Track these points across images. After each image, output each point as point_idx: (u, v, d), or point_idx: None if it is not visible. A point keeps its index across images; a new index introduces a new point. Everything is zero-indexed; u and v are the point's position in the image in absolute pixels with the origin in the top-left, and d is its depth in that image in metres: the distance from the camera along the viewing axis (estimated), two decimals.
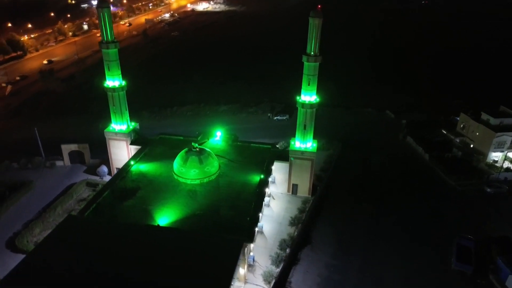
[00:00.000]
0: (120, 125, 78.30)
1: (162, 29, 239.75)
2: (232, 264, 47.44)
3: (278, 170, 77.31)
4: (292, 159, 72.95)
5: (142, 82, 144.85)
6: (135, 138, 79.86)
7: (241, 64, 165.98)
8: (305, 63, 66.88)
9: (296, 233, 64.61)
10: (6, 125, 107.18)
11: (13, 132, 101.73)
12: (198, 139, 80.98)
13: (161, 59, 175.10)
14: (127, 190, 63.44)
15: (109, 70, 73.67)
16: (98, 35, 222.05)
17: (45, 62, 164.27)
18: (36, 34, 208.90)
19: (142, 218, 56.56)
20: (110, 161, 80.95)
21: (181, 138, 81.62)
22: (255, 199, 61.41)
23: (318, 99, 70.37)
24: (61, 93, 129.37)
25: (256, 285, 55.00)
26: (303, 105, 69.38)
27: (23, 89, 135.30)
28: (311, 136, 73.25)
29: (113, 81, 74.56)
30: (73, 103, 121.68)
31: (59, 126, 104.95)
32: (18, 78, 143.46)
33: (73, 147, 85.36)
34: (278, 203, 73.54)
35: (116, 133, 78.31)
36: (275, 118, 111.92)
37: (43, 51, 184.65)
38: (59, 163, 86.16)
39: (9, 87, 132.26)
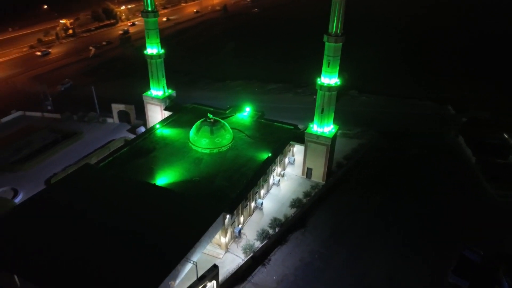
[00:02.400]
0: (157, 90, 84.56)
1: (244, 5, 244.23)
2: (203, 228, 49.83)
3: (299, 152, 76.87)
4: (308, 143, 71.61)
5: (207, 55, 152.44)
6: (169, 104, 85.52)
7: (308, 44, 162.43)
8: (326, 43, 64.14)
9: (292, 215, 64.32)
10: (81, 82, 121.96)
11: (84, 89, 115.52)
12: (227, 112, 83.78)
13: (232, 35, 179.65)
14: (143, 150, 69.30)
15: (148, 38, 79.45)
16: (187, 7, 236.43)
17: (126, 28, 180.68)
18: (133, 5, 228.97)
19: (146, 176, 61.64)
20: (146, 122, 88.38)
21: (211, 109, 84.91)
22: (252, 175, 62.27)
23: (339, 83, 67.36)
24: (132, 58, 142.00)
25: (236, 255, 56.91)
26: (321, 87, 67.07)
27: (105, 52, 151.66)
28: (331, 121, 70.73)
29: (152, 48, 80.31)
30: (140, 68, 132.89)
31: (122, 87, 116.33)
32: (104, 43, 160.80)
33: (121, 107, 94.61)
34: (288, 184, 73.34)
35: (152, 98, 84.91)
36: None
37: (133, 21, 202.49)
38: (109, 120, 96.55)
39: (93, 50, 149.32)
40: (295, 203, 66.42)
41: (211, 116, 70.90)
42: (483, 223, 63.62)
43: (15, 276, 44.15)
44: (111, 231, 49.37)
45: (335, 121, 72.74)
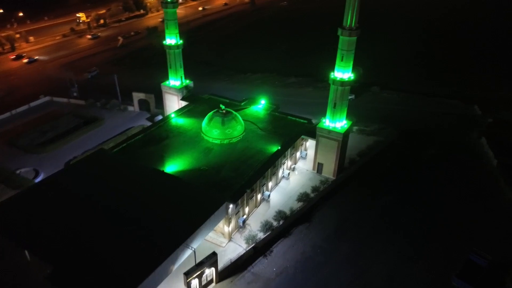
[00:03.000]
0: (174, 80, 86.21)
1: None
2: (205, 216, 50.88)
3: (312, 147, 76.47)
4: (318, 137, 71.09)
5: (231, 46, 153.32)
6: (186, 94, 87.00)
7: (333, 38, 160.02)
8: (340, 37, 63.14)
9: (298, 209, 64.29)
10: (107, 70, 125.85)
11: (109, 77, 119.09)
12: (241, 104, 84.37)
13: (257, 27, 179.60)
14: (157, 138, 71.15)
15: (167, 28, 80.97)
16: None
17: (160, 20, 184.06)
18: None
19: (156, 163, 63.34)
20: (164, 111, 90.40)
21: (227, 100, 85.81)
22: (259, 167, 62.60)
23: (352, 77, 66.21)
24: (158, 49, 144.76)
25: (239, 245, 57.70)
26: (334, 81, 66.18)
27: (132, 43, 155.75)
28: (343, 116, 69.77)
29: (171, 39, 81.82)
30: (164, 58, 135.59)
31: (145, 77, 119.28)
32: (132, 33, 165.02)
33: (142, 95, 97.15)
34: (298, 178, 73.20)
35: (170, 88, 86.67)
36: None
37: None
38: (130, 108, 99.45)
39: (121, 39, 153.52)
40: (302, 197, 66.27)
41: (223, 107, 71.70)
42: (498, 228, 61.13)
43: (26, 251, 46.86)
44: (116, 214, 51.31)
45: (352, 117, 71.69)
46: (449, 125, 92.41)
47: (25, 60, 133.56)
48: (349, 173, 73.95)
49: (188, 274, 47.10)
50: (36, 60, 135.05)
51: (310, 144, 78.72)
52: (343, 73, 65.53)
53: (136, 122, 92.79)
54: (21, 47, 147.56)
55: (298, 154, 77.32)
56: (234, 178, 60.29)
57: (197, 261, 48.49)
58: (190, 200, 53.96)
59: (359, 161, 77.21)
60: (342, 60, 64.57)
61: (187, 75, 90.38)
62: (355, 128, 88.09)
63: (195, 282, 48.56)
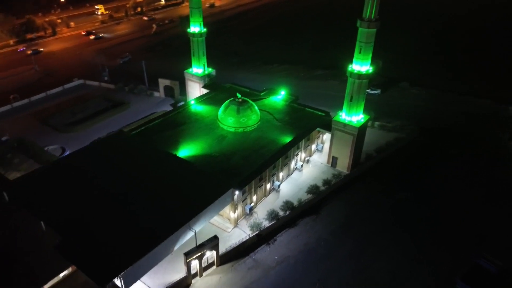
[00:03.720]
0: (197, 68, 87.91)
1: None
2: (209, 200, 52.20)
3: (329, 140, 75.75)
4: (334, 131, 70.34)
5: (261, 37, 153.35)
6: (208, 82, 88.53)
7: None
8: (359, 29, 61.81)
9: (306, 200, 64.29)
10: (139, 57, 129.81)
11: (140, 63, 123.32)
12: (261, 94, 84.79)
13: (290, 18, 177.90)
14: (174, 123, 73.24)
15: (192, 16, 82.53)
16: None
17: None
18: None
19: (170, 147, 65.35)
20: (186, 98, 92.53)
21: (247, 90, 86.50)
22: (270, 157, 63.03)
23: (371, 71, 64.76)
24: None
25: (244, 231, 58.76)
26: (351, 74, 65.05)
27: (165, 30, 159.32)
28: (360, 110, 68.52)
29: (195, 27, 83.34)
30: None
31: (174, 64, 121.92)
32: (167, 21, 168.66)
33: (167, 82, 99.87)
34: (311, 170, 72.99)
35: (192, 75, 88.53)
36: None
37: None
38: (156, 94, 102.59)
39: (155, 27, 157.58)
40: (312, 190, 66.10)
41: (239, 96, 72.44)
42: None
43: (42, 222, 50.35)
44: (126, 192, 53.77)
45: (370, 111, 70.22)
46: (479, 126, 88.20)
47: (92, 37, 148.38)
48: (364, 169, 72.79)
49: (188, 254, 48.79)
50: (101, 37, 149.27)
51: (327, 137, 77.96)
52: (361, 66, 64.24)
53: (160, 108, 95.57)
54: (62, 32, 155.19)
55: (313, 146, 76.91)
56: (244, 166, 61.15)
57: (198, 243, 50.04)
58: (197, 184, 55.48)
59: (376, 157, 75.69)
60: (360, 53, 63.27)
61: (214, 64, 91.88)
62: (376, 123, 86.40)
63: (195, 263, 50.22)
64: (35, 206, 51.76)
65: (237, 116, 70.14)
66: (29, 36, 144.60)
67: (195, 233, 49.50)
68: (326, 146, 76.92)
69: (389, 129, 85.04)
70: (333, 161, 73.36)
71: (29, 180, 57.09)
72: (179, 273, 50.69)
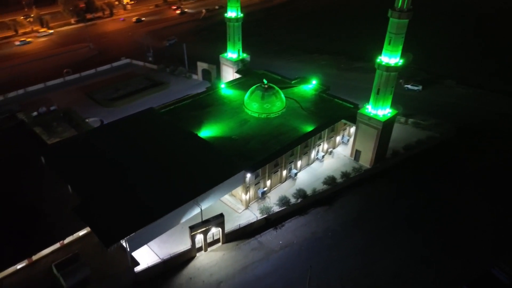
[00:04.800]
0: (232, 53, 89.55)
1: None
2: (219, 180, 54.00)
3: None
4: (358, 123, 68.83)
5: (306, 25, 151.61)
6: (241, 68, 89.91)
7: (421, 23, 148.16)
8: (390, 19, 59.53)
9: (320, 190, 64.02)
10: (185, 40, 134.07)
11: (183, 46, 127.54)
12: (292, 82, 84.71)
13: (341, 7, 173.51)
14: (202, 104, 75.77)
15: (229, 1, 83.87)
16: None
17: None
18: None
19: (193, 126, 67.89)
20: (221, 82, 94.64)
21: (279, 77, 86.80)
22: (287, 144, 63.36)
23: (400, 63, 62.28)
24: None
25: (254, 213, 60.09)
26: (379, 66, 63.07)
27: (214, 16, 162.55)
28: (387, 104, 66.39)
29: (232, 12, 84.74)
30: None
31: (216, 49, 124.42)
32: (217, 7, 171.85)
33: (205, 65, 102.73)
34: (332, 162, 72.23)
35: (227, 60, 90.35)
36: (405, 86, 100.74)
37: None
38: (194, 76, 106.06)
39: (204, 12, 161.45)
40: (329, 181, 65.59)
41: (266, 82, 73.06)
42: None
43: (69, 186, 55.24)
44: (146, 163, 57.23)
45: (411, 108, 67.31)
46: None
47: (178, 11, 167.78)
48: (387, 165, 70.66)
49: (192, 228, 51.17)
50: (185, 12, 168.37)
51: (353, 130, 76.38)
52: (389, 57, 62.08)
53: (196, 90, 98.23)
54: (119, 13, 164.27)
55: (338, 138, 75.81)
56: (260, 150, 62.12)
57: (205, 220, 52.25)
58: (211, 163, 57.47)
59: (402, 154, 73.05)
60: (389, 44, 61.06)
61: (254, 50, 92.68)
62: (410, 120, 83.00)
63: (200, 237, 52.52)
64: (64, 170, 56.82)
65: (261, 102, 70.94)
66: (88, 16, 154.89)
67: (201, 209, 51.62)
68: (351, 138, 75.49)
69: (423, 127, 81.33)
70: (356, 154, 71.95)
71: (63, 146, 62.67)
72: (186, 246, 53.28)
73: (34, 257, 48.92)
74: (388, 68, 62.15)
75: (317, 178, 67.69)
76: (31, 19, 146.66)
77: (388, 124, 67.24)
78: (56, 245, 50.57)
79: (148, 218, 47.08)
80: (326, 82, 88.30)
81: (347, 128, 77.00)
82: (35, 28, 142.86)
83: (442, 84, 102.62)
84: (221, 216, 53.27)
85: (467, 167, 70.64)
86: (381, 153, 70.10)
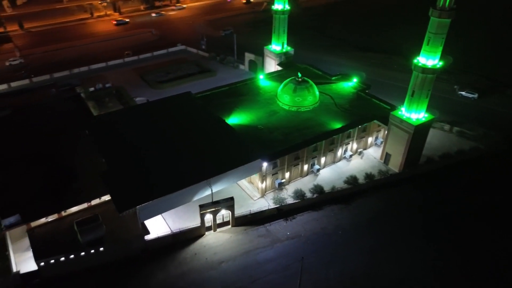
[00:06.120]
0: (276, 45, 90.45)
1: None
2: (234, 165, 55.96)
3: None
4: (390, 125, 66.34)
5: (368, 22, 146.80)
6: (284, 60, 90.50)
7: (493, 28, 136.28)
8: (430, 18, 56.39)
9: (339, 189, 63.12)
10: (241, 30, 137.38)
11: (239, 37, 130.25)
12: (332, 78, 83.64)
13: (409, 4, 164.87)
14: (237, 92, 78.06)
15: None
16: None
17: None
18: None
19: (223, 112, 70.31)
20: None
21: (320, 72, 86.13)
22: (310, 138, 63.24)
23: (439, 65, 58.87)
24: (294, 17, 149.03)
25: (268, 202, 61.22)
26: (415, 67, 60.15)
27: None
28: (422, 108, 63.18)
29: (279, 4, 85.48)
30: (292, 26, 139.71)
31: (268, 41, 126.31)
32: None
33: (252, 56, 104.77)
34: (360, 162, 70.60)
35: (270, 52, 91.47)
36: (459, 92, 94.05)
37: None
38: (241, 66, 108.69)
39: (265, 4, 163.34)
40: (350, 181, 64.37)
41: (300, 75, 73.12)
42: None
43: (103, 159, 60.69)
44: (171, 141, 61.10)
45: (461, 116, 63.14)
46: None
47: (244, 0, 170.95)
48: (416, 172, 67.34)
49: (202, 206, 53.78)
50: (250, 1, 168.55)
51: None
52: (427, 59, 58.90)
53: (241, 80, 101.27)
54: (185, 2, 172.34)
55: (370, 139, 73.64)
56: (281, 141, 62.87)
57: (214, 201, 54.64)
58: (230, 149, 59.56)
59: (436, 162, 69.10)
60: (428, 44, 57.89)
61: (305, 44, 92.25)
62: (455, 129, 77.91)
63: (209, 217, 55.00)
64: (100, 139, 62.60)
65: (293, 95, 71.27)
66: (157, 3, 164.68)
67: (212, 190, 53.94)
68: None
69: (469, 136, 75.90)
70: (386, 157, 69.55)
71: (105, 118, 68.94)
72: (198, 223, 56.08)
73: (64, 213, 54.98)
74: (424, 69, 59.05)
75: (340, 176, 66.71)
76: (105, 4, 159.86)
77: (421, 129, 63.98)
78: (84, 205, 56.22)
79: (160, 192, 50.54)
80: (374, 82, 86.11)
81: (382, 130, 74.43)
82: (108, 13, 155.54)
83: (503, 94, 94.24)
84: (231, 199, 55.23)
85: (504, 184, 64.94)
86: (412, 158, 67.01)
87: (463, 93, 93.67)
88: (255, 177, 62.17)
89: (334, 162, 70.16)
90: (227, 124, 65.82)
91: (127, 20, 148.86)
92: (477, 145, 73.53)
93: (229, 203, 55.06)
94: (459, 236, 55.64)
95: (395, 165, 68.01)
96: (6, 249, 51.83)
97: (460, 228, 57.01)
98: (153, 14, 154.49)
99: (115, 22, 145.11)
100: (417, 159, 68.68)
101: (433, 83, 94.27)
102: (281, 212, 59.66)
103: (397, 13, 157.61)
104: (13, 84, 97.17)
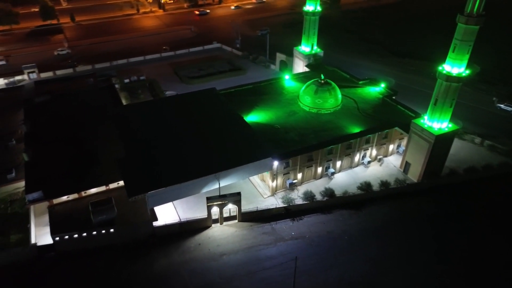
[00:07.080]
0: (305, 46, 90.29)
1: None
2: (244, 161, 56.95)
3: None
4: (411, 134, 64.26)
5: (410, 28, 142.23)
6: (312, 62, 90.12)
7: None
8: (458, 24, 54.05)
9: (350, 194, 62.08)
10: (277, 31, 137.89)
11: (274, 37, 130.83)
12: (359, 82, 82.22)
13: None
14: (260, 91, 78.92)
15: None
16: None
17: None
18: None
19: (244, 109, 71.38)
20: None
21: (347, 76, 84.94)
22: (322, 142, 62.74)
23: (465, 74, 56.29)
24: (333, 20, 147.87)
25: (277, 201, 61.58)
26: (439, 74, 57.90)
27: None
28: (446, 117, 60.73)
29: (310, 6, 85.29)
30: (324, 30, 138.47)
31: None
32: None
33: (283, 57, 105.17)
34: (378, 169, 69.03)
35: (299, 53, 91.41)
36: (498, 105, 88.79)
37: None
38: (272, 66, 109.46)
39: None
40: (363, 187, 63.10)
41: (323, 77, 72.63)
42: None
43: (123, 146, 63.88)
44: (188, 134, 63.22)
45: (496, 130, 60.44)
46: None
47: None
48: (436, 183, 64.61)
49: (209, 199, 55.21)
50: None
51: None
52: (452, 66, 56.51)
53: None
54: (228, 2, 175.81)
55: (392, 146, 71.64)
56: (295, 142, 62.95)
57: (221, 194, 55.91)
58: (243, 145, 60.54)
59: (459, 176, 65.94)
60: (453, 52, 55.52)
61: (341, 47, 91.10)
62: (486, 142, 73.84)
63: (216, 210, 56.34)
64: (123, 127, 65.99)
65: (314, 97, 70.96)
66: (200, 2, 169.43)
67: (219, 184, 55.21)
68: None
69: (500, 151, 71.68)
70: (406, 166, 67.46)
71: (132, 108, 72.68)
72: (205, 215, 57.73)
73: (83, 194, 58.66)
74: (448, 77, 56.74)
75: (355, 182, 65.58)
76: (151, 0, 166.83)
77: (443, 139, 61.40)
78: (102, 188, 59.63)
79: (169, 181, 52.59)
80: (406, 89, 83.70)
81: (404, 138, 72.05)
82: (153, 9, 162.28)
83: None
84: (238, 194, 56.20)
85: None
86: (433, 169, 64.47)
87: (502, 105, 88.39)
88: (267, 175, 62.73)
89: (351, 167, 69.06)
90: (245, 121, 66.84)
91: (208, 10, 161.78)
92: (508, 161, 69.27)
93: (235, 197, 56.07)
94: (472, 254, 52.92)
95: (414, 174, 65.77)
96: (28, 221, 56.29)
97: (474, 245, 54.17)
98: (232, 7, 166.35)
99: (197, 13, 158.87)
100: (439, 170, 65.94)
101: (468, 94, 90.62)
102: (289, 212, 59.77)
103: (440, 18, 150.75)
104: (58, 72, 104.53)
